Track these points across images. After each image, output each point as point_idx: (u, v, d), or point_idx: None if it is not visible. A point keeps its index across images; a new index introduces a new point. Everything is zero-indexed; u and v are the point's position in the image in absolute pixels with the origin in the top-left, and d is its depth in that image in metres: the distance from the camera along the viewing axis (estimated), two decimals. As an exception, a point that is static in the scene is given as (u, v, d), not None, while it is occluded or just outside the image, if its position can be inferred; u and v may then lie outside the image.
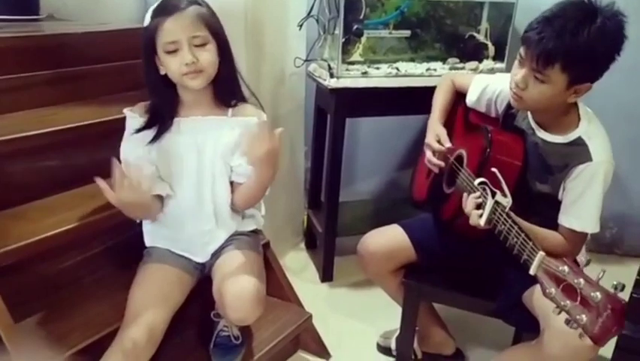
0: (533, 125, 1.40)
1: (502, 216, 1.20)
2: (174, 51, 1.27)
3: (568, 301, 1.00)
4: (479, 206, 1.26)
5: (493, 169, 1.25)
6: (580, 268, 1.02)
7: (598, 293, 0.95)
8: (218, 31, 1.32)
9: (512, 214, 1.19)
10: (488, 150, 1.36)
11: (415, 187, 1.74)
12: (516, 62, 1.33)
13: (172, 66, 1.28)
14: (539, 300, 1.31)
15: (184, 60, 1.26)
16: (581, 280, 0.98)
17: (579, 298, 0.98)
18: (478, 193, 1.27)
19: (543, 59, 1.23)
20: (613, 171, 1.33)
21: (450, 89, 1.66)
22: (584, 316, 0.97)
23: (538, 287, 1.31)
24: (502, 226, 1.19)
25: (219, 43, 1.32)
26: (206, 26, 1.29)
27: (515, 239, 1.15)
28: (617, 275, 0.93)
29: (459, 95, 1.64)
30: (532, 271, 1.10)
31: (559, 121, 1.35)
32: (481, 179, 1.27)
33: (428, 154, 1.59)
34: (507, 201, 1.20)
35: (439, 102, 1.65)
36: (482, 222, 1.23)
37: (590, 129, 1.33)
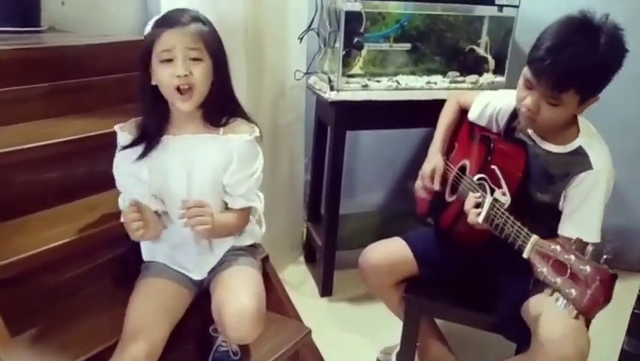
0: (534, 137, 1.42)
1: (499, 212, 1.22)
2: (168, 60, 1.26)
3: (558, 278, 1.01)
4: (479, 205, 1.28)
5: (493, 166, 1.27)
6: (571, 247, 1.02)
7: (587, 267, 0.96)
8: (215, 50, 1.31)
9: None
10: (489, 157, 1.38)
11: (418, 202, 1.74)
12: (521, 84, 1.34)
13: (164, 76, 1.27)
14: (532, 310, 1.33)
15: (176, 72, 1.26)
16: (572, 257, 1.00)
17: (569, 273, 0.99)
18: (478, 193, 1.29)
19: (558, 86, 1.24)
20: (613, 182, 1.34)
21: (455, 110, 1.68)
22: (573, 290, 0.98)
23: (532, 298, 1.32)
24: (499, 220, 1.21)
25: (215, 62, 1.31)
26: (205, 44, 1.28)
27: (511, 229, 1.18)
28: (619, 290, 0.93)
29: (465, 112, 1.67)
30: (525, 254, 1.11)
31: (560, 133, 1.37)
32: (481, 175, 1.29)
33: (418, 184, 1.62)
34: (505, 200, 1.23)
35: (443, 126, 1.67)
36: (480, 219, 1.25)
37: (589, 139, 1.35)
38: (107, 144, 1.40)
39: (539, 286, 1.31)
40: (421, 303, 1.60)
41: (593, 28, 1.25)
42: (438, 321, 1.79)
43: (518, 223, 1.16)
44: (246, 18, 1.91)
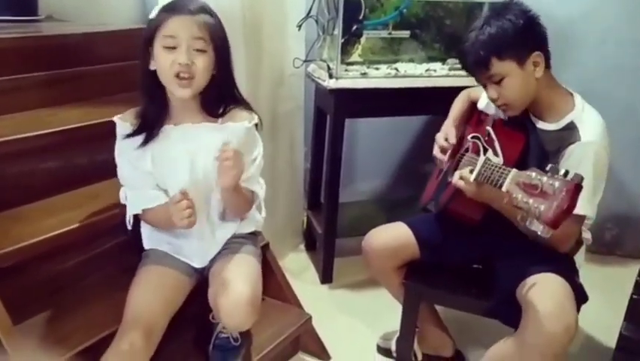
0: (532, 118, 1.46)
1: (489, 168, 1.25)
2: (171, 48, 1.26)
3: (530, 199, 1.04)
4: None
5: (487, 127, 1.31)
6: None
7: (556, 182, 1.00)
8: (220, 43, 1.31)
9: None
10: (489, 129, 1.46)
11: (426, 191, 1.76)
12: (480, 88, 1.51)
13: (165, 62, 1.26)
14: (523, 291, 1.34)
15: (178, 59, 1.25)
16: (544, 178, 1.03)
17: (539, 191, 1.03)
18: (469, 168, 1.34)
19: (479, 65, 1.39)
20: (607, 158, 1.36)
21: (465, 100, 1.74)
22: (541, 206, 1.01)
23: (525, 280, 1.33)
24: (488, 172, 1.25)
25: (218, 55, 1.31)
26: (210, 35, 1.28)
27: (496, 173, 1.21)
28: (617, 276, 0.93)
29: (475, 105, 1.70)
30: (504, 187, 1.14)
31: (553, 109, 1.42)
32: (474, 134, 1.31)
33: (435, 149, 1.65)
34: (498, 160, 1.25)
35: (456, 109, 1.73)
36: (472, 177, 1.29)
37: (582, 115, 1.39)
38: (107, 133, 1.40)
39: (533, 267, 1.34)
40: (420, 289, 1.61)
41: (487, 15, 1.41)
42: (437, 307, 1.80)
43: (502, 166, 1.21)
44: (244, 5, 1.90)
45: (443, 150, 1.63)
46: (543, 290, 1.31)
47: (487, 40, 1.36)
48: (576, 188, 0.99)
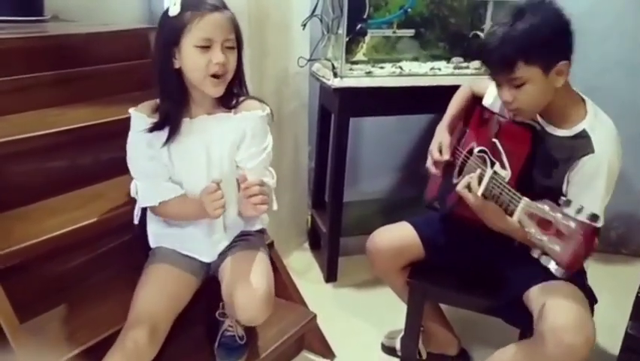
0: (541, 121, 1.41)
1: (497, 183, 1.24)
2: (205, 47, 1.26)
3: (545, 237, 1.02)
4: (480, 181, 1.30)
5: (494, 139, 1.27)
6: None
7: (572, 223, 0.98)
8: (240, 38, 1.33)
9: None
10: (495, 134, 1.40)
11: (429, 188, 1.75)
12: (494, 86, 1.39)
13: (199, 61, 1.26)
14: (536, 297, 1.33)
15: (215, 59, 1.26)
16: (558, 215, 1.01)
17: (554, 230, 1.01)
18: (474, 174, 1.31)
19: (504, 66, 1.29)
20: (619, 163, 1.34)
21: (466, 96, 1.68)
22: (557, 246, 0.99)
23: (537, 286, 1.32)
24: (497, 190, 1.23)
25: (239, 50, 1.33)
26: (235, 31, 1.30)
27: (506, 196, 1.19)
28: (623, 275, 0.93)
29: (477, 99, 1.66)
30: (515, 217, 1.12)
31: (565, 115, 1.37)
32: (482, 147, 1.29)
33: (428, 162, 1.62)
34: (506, 173, 1.23)
35: (452, 109, 1.67)
36: (480, 191, 1.27)
37: (595, 123, 1.34)
38: (113, 132, 1.41)
39: (542, 273, 1.33)
40: (425, 288, 1.61)
41: (519, 8, 1.29)
42: (442, 306, 1.80)
43: (513, 190, 1.18)
44: (249, 4, 1.91)
45: (437, 164, 1.60)
46: (559, 300, 1.28)
47: (518, 38, 1.26)
48: (593, 232, 0.96)
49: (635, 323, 1.46)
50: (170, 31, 1.27)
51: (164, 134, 1.33)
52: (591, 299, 1.37)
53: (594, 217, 0.97)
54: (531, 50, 1.26)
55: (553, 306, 1.27)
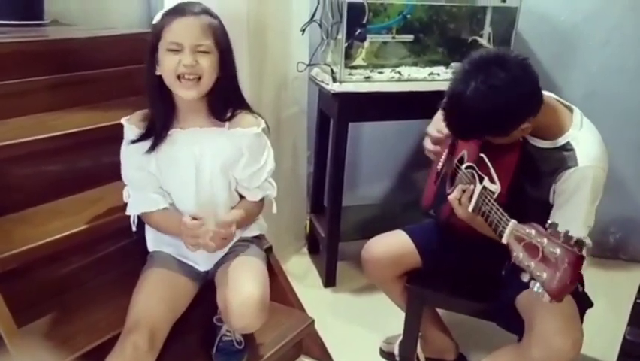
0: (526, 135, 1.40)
1: (487, 199, 1.23)
2: (176, 50, 1.26)
3: (532, 262, 1.01)
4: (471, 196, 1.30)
5: (482, 155, 1.27)
6: (547, 231, 1.02)
7: (557, 249, 0.96)
8: (223, 44, 1.31)
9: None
10: (482, 148, 1.39)
11: (425, 194, 1.75)
12: None
13: (169, 64, 1.26)
14: (525, 302, 1.34)
15: (183, 61, 1.25)
16: (544, 240, 1.00)
17: (540, 256, 1.00)
18: (465, 186, 1.31)
19: (466, 137, 1.40)
20: (604, 177, 1.32)
21: None
22: (544, 273, 0.98)
23: (526, 290, 1.32)
24: (486, 207, 1.23)
25: (222, 56, 1.31)
26: (213, 37, 1.29)
27: (494, 215, 1.19)
28: (621, 280, 0.93)
29: None
30: (504, 240, 1.12)
31: (548, 129, 1.36)
32: (469, 164, 1.29)
33: (427, 141, 1.62)
34: (495, 188, 1.23)
35: None
36: (471, 208, 1.27)
37: (579, 134, 1.34)
38: (111, 137, 1.41)
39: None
40: (423, 293, 1.61)
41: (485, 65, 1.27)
42: (440, 311, 1.80)
43: (501, 210, 1.17)
44: (249, 9, 1.91)
45: (436, 142, 1.59)
46: (547, 304, 1.27)
47: (482, 121, 1.26)
48: (578, 260, 0.94)
49: (633, 328, 1.46)
50: (152, 37, 1.29)
51: (150, 142, 1.34)
52: (584, 304, 1.37)
53: (580, 243, 0.96)
54: (494, 129, 1.29)
55: (541, 310, 1.28)
